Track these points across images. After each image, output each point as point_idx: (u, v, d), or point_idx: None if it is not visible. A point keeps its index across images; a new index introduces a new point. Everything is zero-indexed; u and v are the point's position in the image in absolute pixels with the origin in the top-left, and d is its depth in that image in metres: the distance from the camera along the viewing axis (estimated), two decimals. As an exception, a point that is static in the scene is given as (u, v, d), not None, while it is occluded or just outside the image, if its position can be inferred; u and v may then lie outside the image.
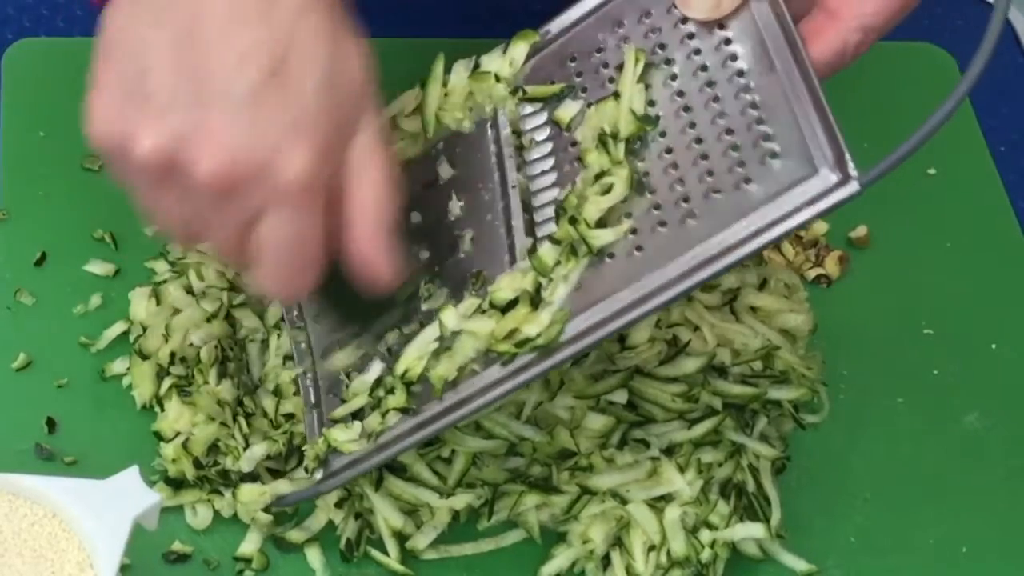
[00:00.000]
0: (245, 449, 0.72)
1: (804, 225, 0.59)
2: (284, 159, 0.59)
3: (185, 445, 0.72)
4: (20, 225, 0.82)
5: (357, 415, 0.69)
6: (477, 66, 0.70)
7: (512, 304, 0.65)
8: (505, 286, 0.65)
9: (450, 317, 0.66)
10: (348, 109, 0.61)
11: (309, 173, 0.59)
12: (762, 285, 0.76)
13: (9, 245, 0.81)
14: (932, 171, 0.91)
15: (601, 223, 0.63)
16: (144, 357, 0.76)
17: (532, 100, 0.68)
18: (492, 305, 0.65)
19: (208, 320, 0.76)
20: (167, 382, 0.75)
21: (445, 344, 0.66)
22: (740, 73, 0.61)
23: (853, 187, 0.57)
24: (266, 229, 0.61)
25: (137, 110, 0.60)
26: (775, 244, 0.60)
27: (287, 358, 0.74)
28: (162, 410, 0.74)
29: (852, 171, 0.57)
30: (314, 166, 0.59)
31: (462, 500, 0.72)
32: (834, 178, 0.57)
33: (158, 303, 0.77)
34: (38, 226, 0.82)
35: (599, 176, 0.64)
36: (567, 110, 0.66)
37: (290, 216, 0.60)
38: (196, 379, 0.74)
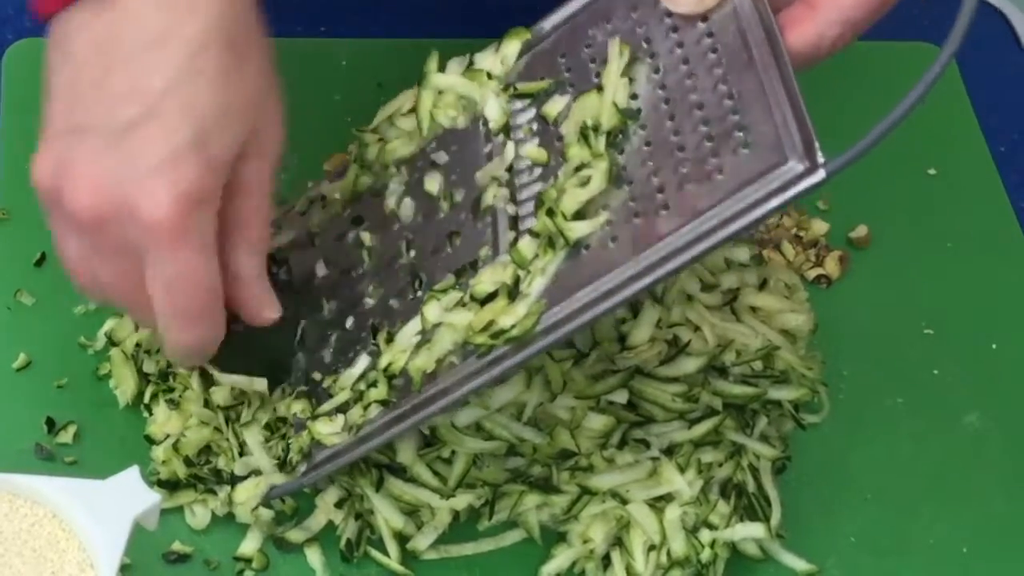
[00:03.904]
0: (241, 455, 0.72)
1: (772, 213, 0.59)
2: (148, 197, 0.59)
3: (175, 446, 0.72)
4: (20, 225, 0.82)
5: (342, 409, 0.69)
6: (471, 64, 0.70)
7: (492, 297, 0.65)
8: (486, 279, 0.66)
9: (432, 311, 0.67)
10: (232, 144, 0.61)
11: (174, 212, 0.59)
12: (762, 285, 0.76)
13: (9, 245, 0.81)
14: (932, 171, 0.91)
15: (579, 215, 0.63)
16: (115, 344, 0.76)
17: (522, 96, 0.68)
18: (473, 298, 0.65)
19: None
20: (149, 389, 0.75)
21: (427, 337, 0.67)
22: (719, 65, 0.62)
23: (819, 175, 0.57)
24: (149, 272, 0.62)
25: (44, 137, 0.63)
26: (747, 232, 0.60)
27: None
28: (150, 414, 0.74)
29: (820, 159, 0.57)
30: (180, 206, 0.59)
31: (463, 501, 0.72)
32: (801, 167, 0.57)
33: None
34: (38, 226, 0.81)
35: (579, 169, 0.64)
36: (554, 105, 0.67)
37: (166, 256, 0.61)
38: (177, 386, 0.74)
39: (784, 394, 0.75)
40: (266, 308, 0.68)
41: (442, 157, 0.71)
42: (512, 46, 0.69)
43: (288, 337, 0.73)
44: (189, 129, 0.59)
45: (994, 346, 0.85)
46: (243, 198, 0.63)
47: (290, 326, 0.72)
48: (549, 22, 0.69)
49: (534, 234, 0.65)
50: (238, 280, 0.66)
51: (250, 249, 0.65)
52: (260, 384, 0.72)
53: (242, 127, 0.61)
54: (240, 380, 0.72)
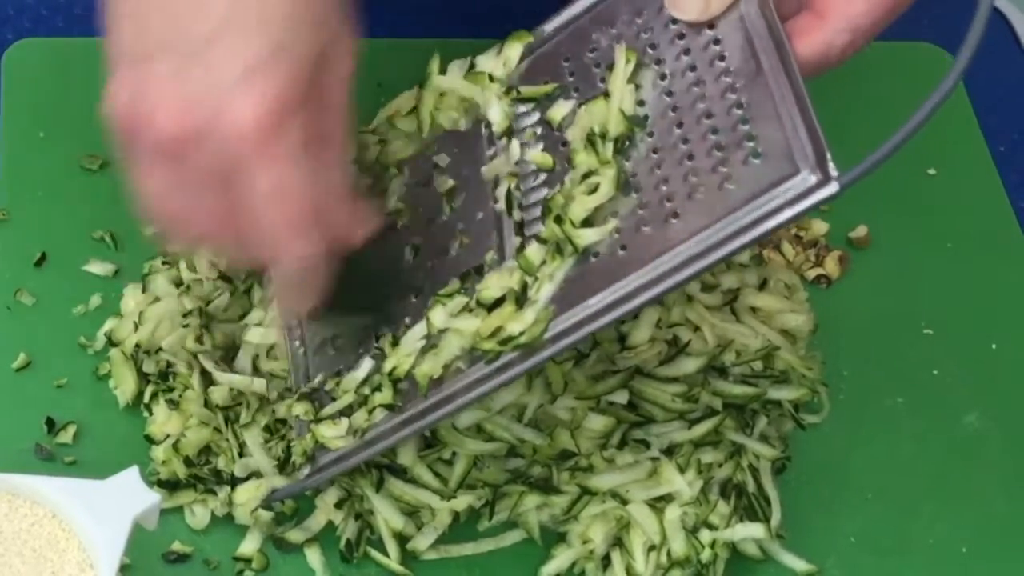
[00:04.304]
0: (240, 455, 0.72)
1: (784, 225, 0.58)
2: (234, 110, 0.57)
3: (175, 446, 0.72)
4: (20, 225, 0.82)
5: (345, 412, 0.69)
6: (472, 66, 0.70)
7: (499, 302, 0.65)
8: (492, 285, 0.65)
9: (438, 315, 0.67)
10: (310, 52, 0.59)
11: (264, 121, 0.57)
12: (762, 285, 0.76)
13: (9, 245, 0.81)
14: (932, 171, 0.91)
15: (587, 222, 0.63)
16: (114, 344, 0.76)
17: (525, 100, 0.68)
18: (479, 303, 0.65)
19: (185, 316, 0.75)
20: (149, 390, 0.75)
21: (432, 342, 0.67)
22: (727, 73, 0.61)
23: (833, 188, 0.57)
24: (245, 189, 0.59)
25: (115, 69, 0.60)
26: (757, 243, 0.60)
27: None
28: (150, 414, 0.74)
29: (832, 172, 0.57)
30: (268, 115, 0.57)
31: (463, 501, 0.72)
32: (814, 179, 0.57)
33: (144, 292, 0.77)
34: (38, 226, 0.82)
35: (586, 176, 0.64)
36: (559, 110, 0.66)
37: (261, 168, 0.58)
38: (177, 386, 0.74)
39: (784, 394, 0.75)
40: (361, 223, 0.65)
41: (443, 159, 0.71)
42: (514, 49, 0.69)
43: (387, 263, 0.70)
44: (266, 38, 0.57)
45: (994, 346, 0.85)
46: (322, 114, 0.61)
47: (387, 254, 0.70)
48: (551, 25, 0.68)
49: (541, 240, 0.64)
50: (328, 199, 0.62)
51: (336, 164, 0.62)
52: (259, 385, 0.72)
53: (316, 36, 0.59)
54: (239, 380, 0.72)
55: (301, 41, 0.58)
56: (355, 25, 0.62)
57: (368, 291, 0.70)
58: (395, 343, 0.68)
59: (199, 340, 0.74)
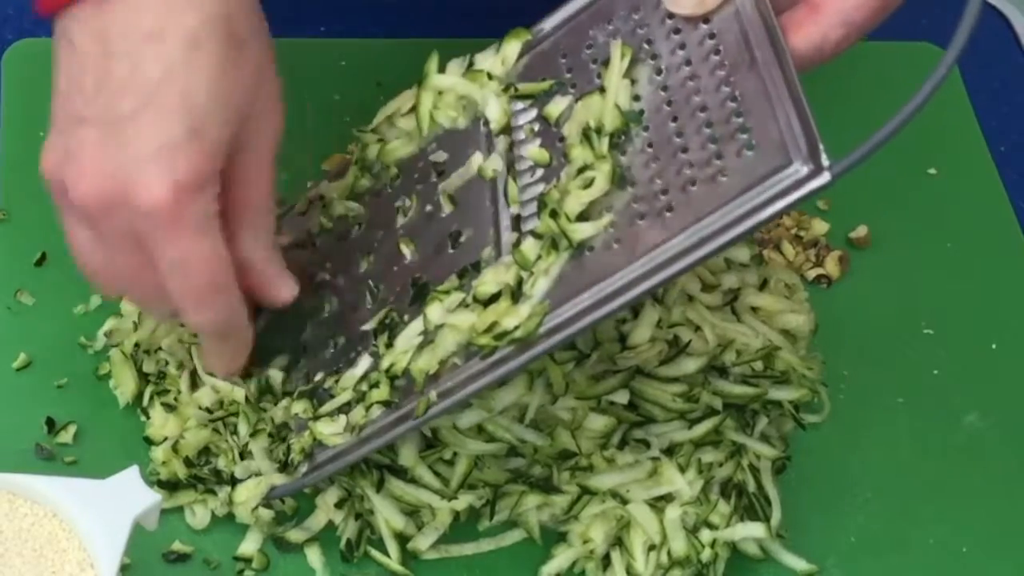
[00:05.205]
0: (242, 457, 0.72)
1: (777, 216, 0.59)
2: (144, 184, 0.61)
3: (175, 447, 0.72)
4: (20, 225, 0.82)
5: (343, 409, 0.69)
6: (471, 64, 0.70)
7: (495, 298, 0.65)
8: (489, 280, 0.66)
9: (435, 311, 0.67)
10: (226, 133, 0.62)
11: (170, 198, 0.61)
12: (763, 285, 0.76)
13: (9, 245, 0.81)
14: (932, 171, 0.91)
15: (582, 217, 0.63)
16: (114, 344, 0.76)
17: (523, 97, 0.68)
18: (476, 299, 0.65)
19: None
20: (148, 390, 0.75)
21: (429, 338, 0.67)
22: (722, 66, 0.61)
23: (825, 178, 0.57)
24: (155, 257, 0.63)
25: (52, 127, 0.65)
26: (751, 234, 0.60)
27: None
28: (147, 417, 0.74)
29: (824, 162, 0.57)
30: (176, 192, 0.61)
31: (464, 501, 0.72)
32: (806, 169, 0.57)
33: None
34: (38, 226, 0.82)
35: (582, 170, 0.64)
36: (556, 106, 0.66)
37: (167, 240, 0.62)
38: (171, 388, 0.74)
39: (784, 394, 0.75)
40: (283, 289, 0.69)
41: (441, 157, 0.71)
42: (512, 47, 0.69)
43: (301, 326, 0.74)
44: (184, 118, 0.61)
45: (994, 346, 0.85)
46: (244, 188, 0.65)
47: (302, 316, 0.74)
48: (549, 23, 0.68)
49: (537, 235, 0.65)
50: (251, 268, 0.67)
51: (256, 235, 0.67)
52: (238, 393, 0.72)
53: (237, 116, 0.63)
54: (221, 385, 0.72)
55: (217, 125, 0.62)
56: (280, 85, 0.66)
57: (291, 336, 0.73)
58: (391, 340, 0.68)
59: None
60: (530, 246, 0.65)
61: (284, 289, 0.69)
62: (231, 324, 0.68)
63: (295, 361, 0.73)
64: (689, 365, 0.72)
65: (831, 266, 0.86)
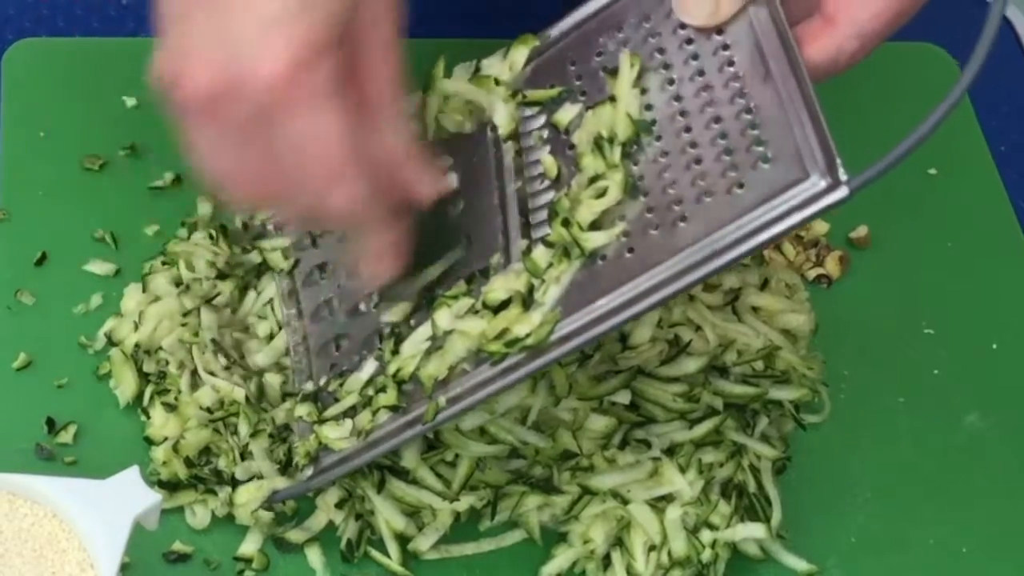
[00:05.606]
0: (242, 457, 0.72)
1: (792, 229, 0.59)
2: (262, 58, 0.58)
3: (175, 448, 0.72)
4: (20, 225, 0.82)
5: (349, 413, 0.69)
6: (477, 70, 0.70)
7: (505, 305, 0.65)
8: (498, 287, 0.65)
9: (443, 317, 0.66)
10: (339, 5, 0.59)
11: (291, 65, 0.58)
12: (763, 285, 0.76)
13: (9, 245, 0.81)
14: (932, 171, 0.91)
15: (594, 226, 0.63)
16: (114, 344, 0.76)
17: (531, 104, 0.68)
18: (485, 305, 0.65)
19: (185, 315, 0.75)
20: (148, 390, 0.75)
21: (437, 344, 0.67)
22: (736, 78, 0.61)
23: (842, 192, 0.57)
24: (281, 142, 0.60)
25: (160, 31, 0.61)
26: (765, 247, 0.60)
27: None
28: (147, 417, 0.74)
29: (842, 176, 0.57)
30: (294, 60, 0.58)
31: (465, 502, 0.72)
32: (824, 183, 0.57)
33: (144, 292, 0.77)
34: (38, 226, 0.82)
35: (594, 179, 0.64)
36: (566, 113, 0.66)
37: (292, 114, 0.59)
38: (171, 388, 0.74)
39: (785, 394, 0.75)
40: (426, 184, 0.65)
41: (447, 160, 0.70)
42: (520, 52, 0.68)
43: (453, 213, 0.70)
44: None
45: (994, 346, 0.85)
46: (371, 81, 0.62)
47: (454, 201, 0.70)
48: (557, 29, 0.68)
49: (548, 243, 0.64)
50: (391, 165, 0.63)
51: (391, 128, 0.63)
52: (239, 393, 0.72)
53: None
54: (221, 385, 0.72)
55: None
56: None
57: (430, 246, 0.69)
58: (397, 347, 0.68)
59: (196, 334, 0.74)
60: (541, 254, 0.65)
61: (428, 184, 0.65)
62: (371, 211, 0.63)
63: (448, 273, 0.70)
64: (690, 365, 0.72)
65: (831, 266, 0.86)
